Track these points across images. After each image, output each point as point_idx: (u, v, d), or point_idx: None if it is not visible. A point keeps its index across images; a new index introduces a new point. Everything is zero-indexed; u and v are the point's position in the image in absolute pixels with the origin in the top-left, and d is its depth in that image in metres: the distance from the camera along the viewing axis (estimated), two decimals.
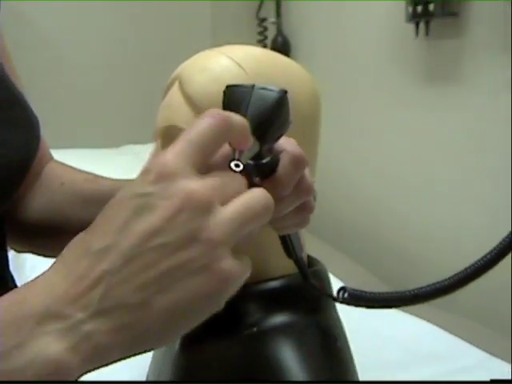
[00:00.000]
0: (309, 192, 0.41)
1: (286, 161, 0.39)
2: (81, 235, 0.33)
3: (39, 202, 0.60)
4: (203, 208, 0.31)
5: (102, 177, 0.62)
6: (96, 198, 0.58)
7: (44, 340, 0.29)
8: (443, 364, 0.89)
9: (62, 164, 0.65)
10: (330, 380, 0.50)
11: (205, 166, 0.34)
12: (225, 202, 0.33)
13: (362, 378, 0.57)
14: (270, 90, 0.36)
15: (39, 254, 0.64)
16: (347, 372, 0.53)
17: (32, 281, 0.32)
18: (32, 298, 0.31)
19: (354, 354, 0.57)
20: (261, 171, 0.36)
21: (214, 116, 0.34)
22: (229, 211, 0.32)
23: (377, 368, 0.83)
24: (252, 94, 0.36)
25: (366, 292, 0.50)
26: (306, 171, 0.41)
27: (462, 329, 1.01)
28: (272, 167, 0.38)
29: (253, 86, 0.36)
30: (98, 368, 0.31)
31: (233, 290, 0.33)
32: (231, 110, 0.36)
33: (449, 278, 0.46)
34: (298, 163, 0.39)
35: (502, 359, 0.89)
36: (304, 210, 0.42)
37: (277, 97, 0.36)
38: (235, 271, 0.32)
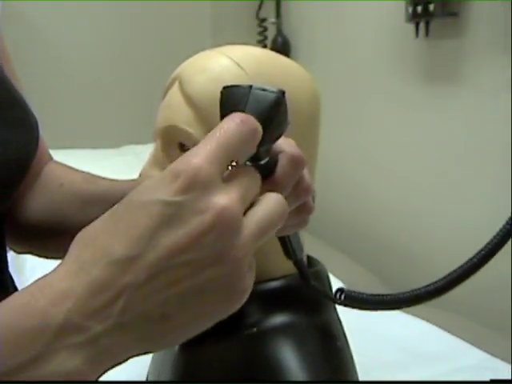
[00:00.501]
0: (308, 192, 0.41)
1: (285, 161, 0.38)
2: (94, 232, 0.32)
3: (38, 202, 0.60)
4: (233, 227, 0.31)
5: (101, 177, 0.62)
6: (95, 199, 0.58)
7: (62, 355, 0.29)
8: (443, 364, 0.89)
9: (61, 164, 0.65)
10: (330, 380, 0.50)
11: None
12: (246, 208, 0.33)
13: (361, 378, 0.57)
14: (268, 91, 0.36)
15: (38, 255, 0.64)
16: (347, 372, 0.53)
17: (45, 281, 0.30)
18: (49, 307, 0.29)
19: (354, 354, 0.57)
20: (259, 173, 0.36)
21: (245, 122, 0.33)
22: (251, 227, 0.32)
23: (377, 368, 0.83)
24: (250, 95, 0.36)
25: (363, 294, 0.50)
26: (305, 172, 0.41)
27: (463, 329, 1.01)
28: (270, 168, 0.38)
29: (250, 87, 0.36)
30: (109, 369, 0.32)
31: (246, 296, 0.34)
32: (228, 110, 0.35)
33: (444, 278, 0.46)
34: (297, 164, 0.39)
35: (502, 359, 0.89)
36: (303, 211, 0.42)
37: (275, 97, 0.36)
38: (250, 286, 0.33)
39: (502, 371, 0.85)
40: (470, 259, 0.44)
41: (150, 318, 0.30)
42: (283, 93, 0.36)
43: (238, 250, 0.31)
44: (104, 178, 0.61)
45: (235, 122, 0.33)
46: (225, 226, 0.30)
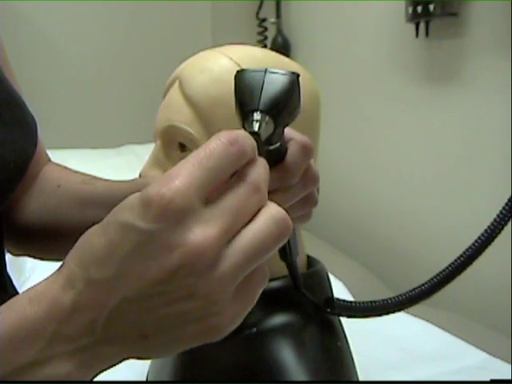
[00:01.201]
0: (316, 181, 0.41)
1: (295, 148, 0.39)
2: (84, 244, 0.31)
3: (36, 204, 0.60)
4: (205, 265, 0.29)
5: (99, 178, 0.62)
6: (92, 201, 0.57)
7: (55, 361, 0.30)
8: (443, 364, 0.89)
9: (59, 166, 0.65)
10: (330, 380, 0.50)
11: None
12: (238, 229, 0.30)
13: (361, 378, 0.57)
14: (283, 74, 0.37)
15: (36, 257, 0.63)
16: (347, 372, 0.53)
17: (41, 288, 0.31)
18: (42, 316, 0.30)
19: (354, 354, 0.56)
20: (269, 158, 0.36)
21: (233, 143, 0.31)
22: (235, 257, 0.30)
23: (377, 368, 0.83)
24: (265, 77, 0.36)
25: (351, 302, 0.50)
26: (312, 161, 0.41)
27: (463, 329, 1.01)
28: (280, 155, 0.39)
29: (265, 70, 0.37)
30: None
31: (232, 328, 0.32)
32: (245, 93, 0.36)
33: (431, 280, 0.46)
34: (307, 150, 0.39)
35: (502, 359, 0.89)
36: (308, 202, 0.42)
37: (290, 80, 0.37)
38: (228, 325, 0.32)
39: (502, 371, 0.85)
40: (455, 261, 0.45)
41: (129, 336, 0.31)
42: (298, 76, 0.37)
43: (210, 288, 0.29)
44: (102, 179, 0.61)
45: (222, 142, 0.30)
46: (194, 265, 0.29)
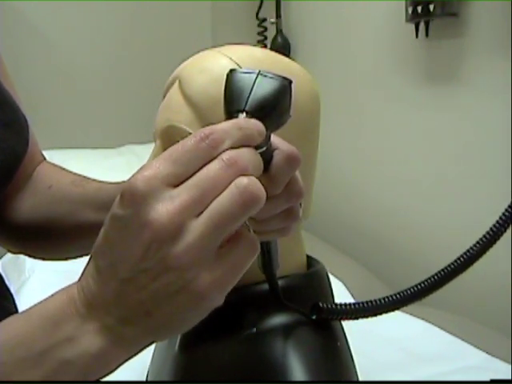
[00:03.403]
0: (300, 196, 0.41)
1: (280, 158, 0.38)
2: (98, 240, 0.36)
3: (29, 204, 0.60)
4: (169, 237, 0.32)
5: (91, 179, 0.62)
6: (83, 202, 0.57)
7: (89, 336, 0.34)
8: (443, 364, 0.89)
9: (53, 165, 0.65)
10: (330, 380, 0.50)
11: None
12: (208, 202, 0.33)
13: (361, 378, 0.57)
14: (275, 78, 0.37)
15: (31, 256, 0.64)
16: (347, 372, 0.53)
17: (83, 277, 0.36)
18: (76, 298, 0.35)
19: (354, 355, 0.56)
20: None
21: (203, 139, 0.34)
22: (198, 228, 0.32)
23: (377, 368, 0.83)
24: (257, 79, 0.36)
25: (337, 305, 0.51)
26: (297, 174, 0.41)
27: (463, 329, 1.01)
28: (266, 160, 0.38)
29: (258, 72, 0.37)
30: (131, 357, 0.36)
31: (219, 297, 0.34)
32: (234, 94, 0.36)
33: (427, 279, 0.47)
34: (292, 161, 0.39)
35: (502, 359, 0.89)
36: (289, 216, 0.42)
37: (281, 85, 0.36)
38: (212, 286, 0.34)
39: (502, 371, 0.85)
40: (454, 261, 0.45)
41: (136, 315, 0.34)
42: (290, 82, 0.37)
43: (179, 258, 0.32)
44: (93, 181, 0.61)
45: (195, 137, 0.34)
46: (160, 239, 0.32)
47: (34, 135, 0.62)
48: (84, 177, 0.62)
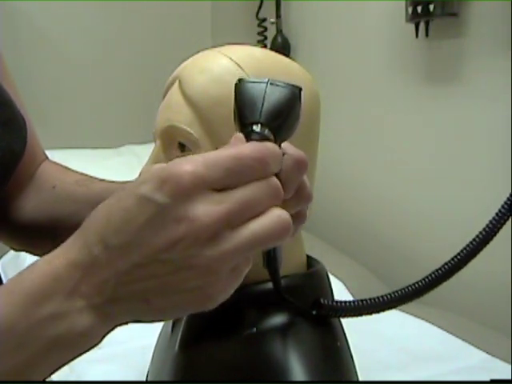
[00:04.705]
0: (308, 198, 0.42)
1: (290, 163, 0.39)
2: (100, 213, 0.35)
3: (33, 203, 0.60)
4: (205, 239, 0.33)
5: (94, 178, 0.62)
6: (87, 202, 0.57)
7: (74, 315, 0.34)
8: (443, 364, 0.89)
9: (56, 165, 0.65)
10: (330, 380, 0.50)
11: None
12: (245, 220, 0.34)
13: (361, 378, 0.57)
14: (286, 87, 0.37)
15: (32, 254, 0.64)
16: (347, 372, 0.53)
17: (58, 253, 0.35)
18: (60, 274, 0.34)
19: (354, 354, 0.56)
20: None
21: (261, 162, 0.34)
22: (238, 240, 0.33)
23: (377, 368, 0.83)
24: (267, 90, 0.36)
25: (337, 302, 0.51)
26: (305, 178, 0.41)
27: (463, 329, 1.01)
28: None
29: (267, 81, 0.37)
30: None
31: (222, 300, 0.36)
32: (246, 104, 0.36)
33: (426, 277, 0.47)
34: (301, 165, 0.39)
35: (502, 359, 0.89)
36: (298, 219, 0.42)
37: (292, 93, 0.37)
38: (219, 297, 0.35)
39: (502, 371, 0.85)
40: (452, 258, 0.46)
41: (133, 299, 0.35)
42: (300, 89, 0.37)
43: (210, 260, 0.33)
44: (97, 180, 0.61)
45: (252, 154, 0.34)
46: (195, 237, 0.33)
47: (36, 135, 0.62)
48: (88, 176, 0.62)
